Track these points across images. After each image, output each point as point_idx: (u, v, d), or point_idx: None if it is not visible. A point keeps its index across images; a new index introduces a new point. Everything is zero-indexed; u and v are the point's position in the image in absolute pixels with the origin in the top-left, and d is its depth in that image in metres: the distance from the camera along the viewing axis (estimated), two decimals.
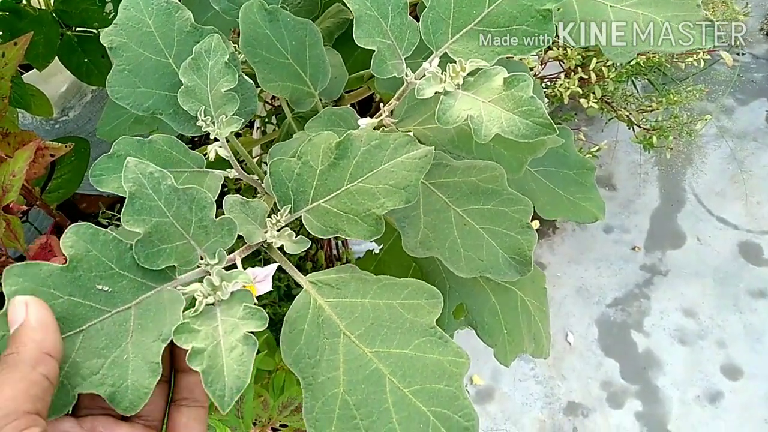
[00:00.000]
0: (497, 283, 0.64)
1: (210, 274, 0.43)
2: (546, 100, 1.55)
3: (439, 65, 0.52)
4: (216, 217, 0.45)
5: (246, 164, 0.66)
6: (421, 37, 0.53)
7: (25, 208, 1.17)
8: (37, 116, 1.31)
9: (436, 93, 0.49)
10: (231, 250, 0.50)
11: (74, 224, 0.40)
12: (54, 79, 1.34)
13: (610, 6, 0.59)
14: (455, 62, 0.51)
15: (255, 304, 0.42)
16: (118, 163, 0.53)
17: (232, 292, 0.42)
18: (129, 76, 0.57)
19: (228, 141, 0.60)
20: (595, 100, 1.43)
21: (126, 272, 0.42)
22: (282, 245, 0.49)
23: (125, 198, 0.44)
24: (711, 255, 1.89)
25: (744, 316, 1.77)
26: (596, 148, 1.44)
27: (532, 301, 0.66)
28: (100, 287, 0.40)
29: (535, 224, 1.84)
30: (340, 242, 1.43)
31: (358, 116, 0.60)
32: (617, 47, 0.56)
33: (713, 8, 1.50)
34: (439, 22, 0.53)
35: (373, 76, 0.56)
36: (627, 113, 1.46)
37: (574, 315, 1.82)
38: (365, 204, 0.47)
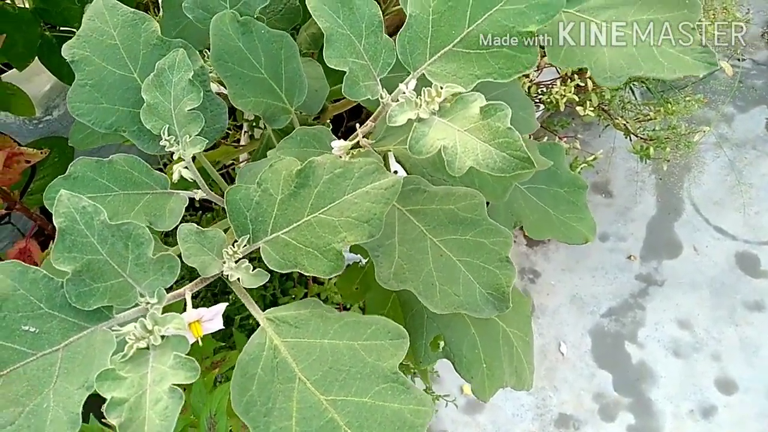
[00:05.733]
0: None
1: (149, 313, 0.40)
2: (541, 106, 1.52)
3: (416, 87, 0.49)
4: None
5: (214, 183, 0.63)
6: (397, 57, 0.50)
7: (4, 211, 1.14)
8: (20, 116, 1.28)
9: (409, 120, 0.46)
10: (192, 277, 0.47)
11: (2, 262, 0.37)
12: (37, 78, 1.31)
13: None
14: (435, 84, 0.48)
15: (187, 353, 0.39)
16: (73, 185, 0.50)
17: (167, 336, 0.39)
18: (91, 91, 0.54)
19: (195, 159, 0.57)
20: (592, 108, 1.39)
21: (56, 312, 0.39)
22: (240, 279, 0.46)
23: None
24: (708, 265, 1.86)
25: (740, 329, 1.74)
26: (592, 157, 1.41)
27: (515, 332, 0.63)
28: (26, 328, 0.37)
29: None
30: None
31: (334, 136, 0.57)
32: (607, 71, 0.53)
33: (713, 15, 1.46)
34: (417, 42, 0.49)
35: None
36: (624, 122, 1.42)
37: (568, 324, 1.79)
38: (326, 237, 0.44)
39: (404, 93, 0.49)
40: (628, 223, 1.95)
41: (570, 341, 1.76)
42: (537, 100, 1.53)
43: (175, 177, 0.54)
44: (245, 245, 0.47)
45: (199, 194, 0.56)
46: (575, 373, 1.70)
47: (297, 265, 0.46)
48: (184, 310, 0.43)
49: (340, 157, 0.55)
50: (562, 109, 1.44)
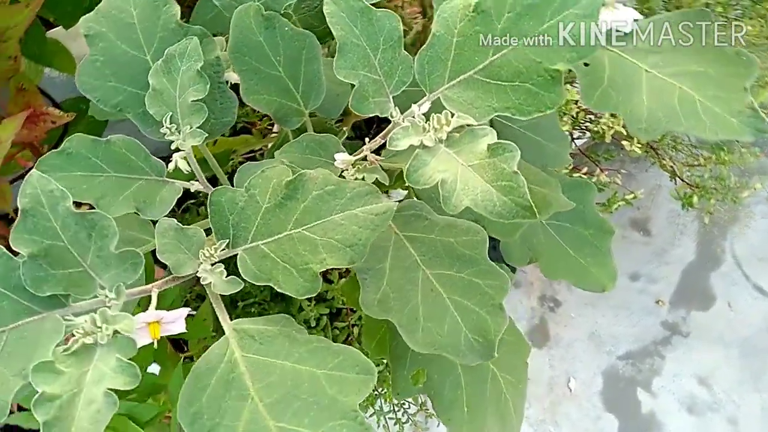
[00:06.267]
0: None
1: (108, 307, 0.39)
2: (587, 134, 1.46)
3: (429, 111, 0.46)
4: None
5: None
6: (414, 76, 0.47)
7: (31, 164, 1.16)
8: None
9: (411, 146, 0.43)
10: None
11: None
12: (83, 39, 1.32)
13: (646, 71, 0.52)
14: (445, 111, 0.44)
15: (130, 358, 0.37)
16: (66, 161, 0.49)
17: (116, 336, 0.37)
18: (101, 68, 0.53)
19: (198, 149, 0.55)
20: (639, 145, 1.33)
21: (10, 292, 0.38)
22: (212, 283, 0.44)
23: None
24: (740, 324, 1.76)
25: (763, 396, 1.65)
26: (631, 195, 1.34)
27: (507, 377, 0.60)
28: None
29: None
30: None
31: (342, 147, 0.55)
32: (642, 122, 0.49)
33: None
34: (437, 63, 0.46)
35: None
36: (671, 163, 1.35)
37: (581, 361, 1.73)
38: (305, 256, 0.42)
39: (409, 118, 0.46)
40: (663, 266, 1.87)
41: (580, 378, 1.70)
42: (584, 128, 1.47)
43: (171, 166, 0.52)
44: (223, 249, 0.45)
45: (195, 186, 0.54)
46: (580, 412, 1.64)
47: (271, 280, 0.43)
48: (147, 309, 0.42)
49: (344, 170, 0.53)
50: (608, 140, 1.38)
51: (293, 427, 0.40)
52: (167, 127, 0.51)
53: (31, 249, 0.38)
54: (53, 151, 0.49)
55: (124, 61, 0.53)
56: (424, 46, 0.46)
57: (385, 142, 0.55)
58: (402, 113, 0.48)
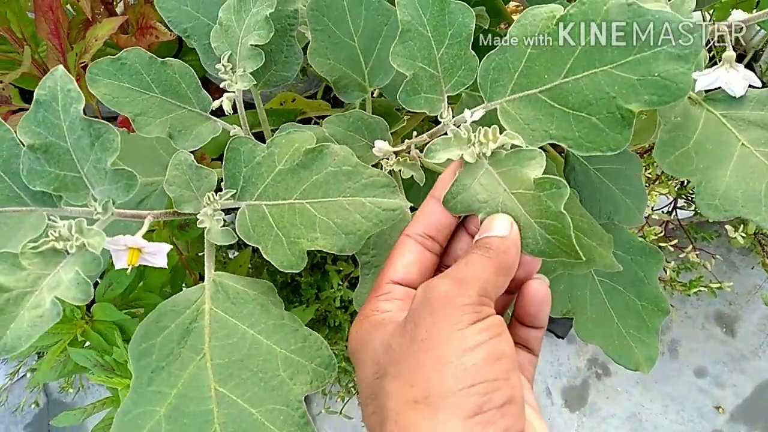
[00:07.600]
0: None
1: (94, 220, 0.39)
2: (692, 207, 1.34)
3: (478, 121, 0.42)
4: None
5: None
6: (477, 80, 0.43)
7: None
8: None
9: (448, 160, 0.39)
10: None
11: None
12: None
13: (742, 144, 0.44)
14: (494, 126, 0.40)
15: (90, 274, 0.36)
16: (119, 69, 0.49)
17: (86, 250, 0.37)
18: None
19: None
20: (744, 235, 1.19)
21: (8, 177, 0.38)
22: (207, 229, 0.43)
23: None
24: None
25: None
26: (717, 285, 1.21)
27: None
28: None
29: None
30: None
31: (388, 134, 0.52)
32: (716, 199, 0.42)
33: None
34: (504, 71, 0.42)
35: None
36: None
37: None
38: (299, 229, 0.40)
39: (452, 126, 0.42)
40: (736, 374, 1.69)
41: None
42: (690, 198, 1.34)
43: (216, 104, 0.51)
44: (228, 198, 0.43)
45: (236, 131, 0.53)
46: None
47: (261, 243, 0.41)
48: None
49: (381, 160, 0.50)
50: (710, 220, 1.25)
51: (233, 396, 0.38)
52: (223, 65, 0.50)
53: (33, 141, 0.38)
54: (109, 57, 0.49)
55: None
56: (495, 50, 0.42)
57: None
58: (453, 116, 0.44)
